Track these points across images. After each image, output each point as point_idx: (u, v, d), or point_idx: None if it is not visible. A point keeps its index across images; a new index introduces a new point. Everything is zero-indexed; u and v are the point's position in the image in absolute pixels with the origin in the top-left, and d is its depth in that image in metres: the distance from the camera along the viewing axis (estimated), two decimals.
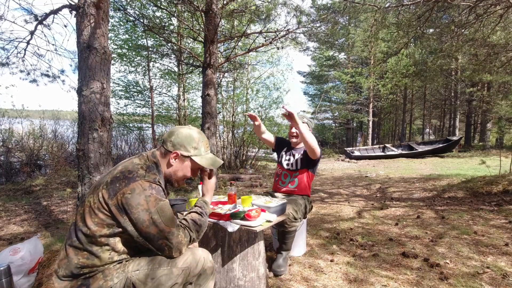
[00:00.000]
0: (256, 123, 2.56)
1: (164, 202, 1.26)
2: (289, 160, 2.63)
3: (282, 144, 2.76)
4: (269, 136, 2.74)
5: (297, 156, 2.57)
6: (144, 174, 1.28)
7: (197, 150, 1.44)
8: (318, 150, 2.37)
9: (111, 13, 8.54)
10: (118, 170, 1.28)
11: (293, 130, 2.57)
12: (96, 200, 1.22)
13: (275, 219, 1.89)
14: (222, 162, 1.56)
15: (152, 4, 6.80)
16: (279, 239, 2.33)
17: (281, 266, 2.23)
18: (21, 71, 4.97)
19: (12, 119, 7.73)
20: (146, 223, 1.20)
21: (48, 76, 5.20)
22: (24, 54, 4.57)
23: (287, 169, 2.62)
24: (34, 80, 5.14)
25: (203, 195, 1.58)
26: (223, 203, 2.13)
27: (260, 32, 6.36)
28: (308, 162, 2.51)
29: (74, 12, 3.02)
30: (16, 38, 4.34)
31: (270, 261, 2.46)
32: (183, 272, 1.29)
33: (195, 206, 1.48)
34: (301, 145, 2.63)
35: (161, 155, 1.42)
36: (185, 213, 1.48)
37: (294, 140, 2.61)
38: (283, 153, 2.71)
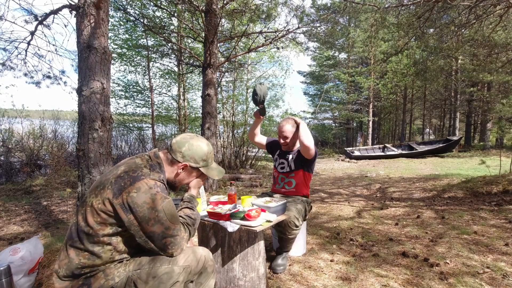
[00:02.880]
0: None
1: (169, 200, 1.27)
2: (283, 163, 2.60)
3: (274, 147, 2.73)
4: (261, 139, 2.74)
5: (291, 157, 2.55)
6: (148, 172, 1.29)
7: (205, 162, 1.48)
8: (313, 150, 2.37)
9: (111, 13, 8.54)
10: (122, 170, 1.28)
11: (282, 138, 2.52)
12: (100, 200, 1.22)
13: (275, 219, 1.89)
14: (224, 171, 1.61)
15: (152, 4, 6.80)
16: (279, 242, 2.34)
17: (280, 265, 2.24)
18: (25, 74, 4.97)
19: (12, 119, 7.73)
20: (151, 221, 1.21)
21: (49, 77, 5.20)
22: (26, 55, 4.57)
23: (282, 172, 2.60)
24: (38, 83, 5.15)
25: (189, 189, 1.59)
26: (223, 203, 2.13)
27: (260, 32, 6.36)
28: (303, 162, 2.49)
29: (74, 12, 3.02)
30: (17, 39, 4.34)
31: (270, 261, 2.46)
32: (184, 270, 1.30)
33: (183, 201, 1.50)
34: (295, 148, 2.59)
35: (167, 161, 1.43)
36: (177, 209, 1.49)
37: (284, 147, 2.57)
38: (277, 156, 2.68)
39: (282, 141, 2.53)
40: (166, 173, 1.42)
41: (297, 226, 2.19)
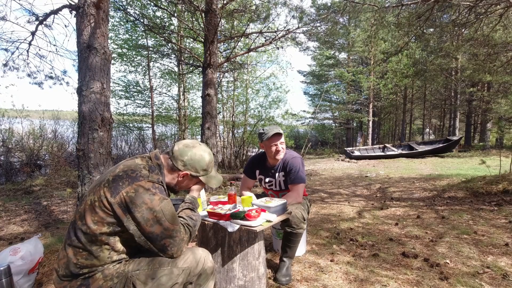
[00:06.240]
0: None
1: (168, 201, 1.27)
2: (270, 182, 2.45)
3: (254, 170, 2.54)
4: (252, 183, 2.60)
5: (278, 177, 2.40)
6: (147, 174, 1.28)
7: (205, 171, 1.49)
8: (301, 196, 2.29)
9: (111, 13, 8.55)
10: (120, 169, 1.28)
11: (280, 147, 2.31)
12: (97, 198, 1.21)
13: (275, 219, 1.89)
14: (222, 179, 1.63)
15: (152, 4, 6.80)
16: (284, 242, 2.23)
17: (286, 276, 2.15)
18: (29, 75, 5.00)
19: (12, 119, 7.74)
20: (150, 222, 1.21)
21: (51, 77, 5.22)
22: (27, 56, 4.58)
23: (272, 189, 2.49)
24: (40, 83, 5.17)
25: (190, 191, 1.59)
26: (223, 203, 2.13)
27: (260, 32, 6.36)
28: None
29: (74, 12, 3.03)
30: (18, 39, 4.35)
31: (270, 262, 2.46)
32: (184, 272, 1.30)
33: (185, 202, 1.50)
34: (277, 162, 2.39)
35: (168, 167, 1.43)
36: (178, 210, 1.50)
37: (280, 156, 2.34)
38: (261, 176, 2.50)
39: (276, 148, 2.30)
40: (166, 178, 1.42)
41: (304, 219, 2.15)
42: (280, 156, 2.35)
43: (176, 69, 11.94)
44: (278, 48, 6.93)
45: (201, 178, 1.49)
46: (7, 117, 7.67)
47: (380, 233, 3.12)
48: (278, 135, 2.29)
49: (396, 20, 5.33)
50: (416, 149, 12.97)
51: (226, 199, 2.19)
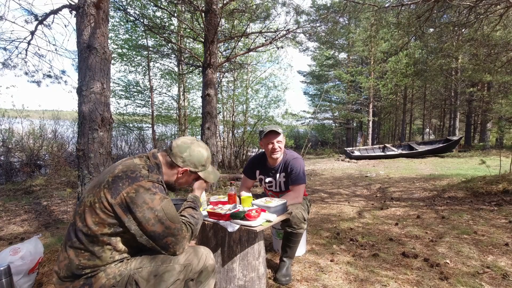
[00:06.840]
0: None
1: (168, 200, 1.28)
2: (270, 183, 2.45)
3: (254, 170, 2.52)
4: (251, 183, 2.58)
5: (278, 178, 2.40)
6: (147, 174, 1.29)
7: (204, 167, 1.52)
8: (301, 197, 2.28)
9: (111, 13, 8.55)
10: (120, 170, 1.28)
11: (276, 146, 2.29)
12: (97, 199, 1.21)
13: (275, 219, 1.89)
14: (219, 174, 1.64)
15: (152, 4, 6.80)
16: (284, 242, 2.22)
17: (286, 276, 2.15)
18: (26, 74, 5.00)
19: (12, 119, 7.73)
20: (151, 221, 1.21)
21: (50, 76, 5.23)
22: (26, 55, 4.58)
23: (272, 191, 2.49)
24: (38, 82, 5.18)
25: (192, 191, 1.60)
26: (223, 203, 2.13)
27: (260, 32, 6.36)
28: None
29: (74, 12, 3.03)
30: (17, 38, 4.36)
31: (270, 262, 2.46)
32: (185, 268, 1.31)
33: (187, 201, 1.52)
34: (277, 162, 2.38)
35: (167, 164, 1.44)
36: (180, 209, 1.51)
37: (276, 155, 2.32)
38: (262, 176, 2.49)
39: (272, 146, 2.29)
40: (165, 176, 1.43)
41: (305, 220, 2.15)
42: (277, 155, 2.32)
43: (176, 69, 11.93)
44: (278, 48, 6.93)
45: (199, 173, 1.52)
46: (7, 117, 7.66)
47: (380, 233, 3.12)
48: (274, 133, 2.28)
49: (396, 20, 5.33)
50: (416, 149, 12.97)
51: (226, 199, 2.19)
